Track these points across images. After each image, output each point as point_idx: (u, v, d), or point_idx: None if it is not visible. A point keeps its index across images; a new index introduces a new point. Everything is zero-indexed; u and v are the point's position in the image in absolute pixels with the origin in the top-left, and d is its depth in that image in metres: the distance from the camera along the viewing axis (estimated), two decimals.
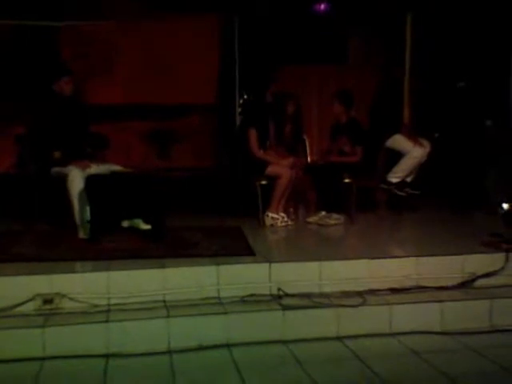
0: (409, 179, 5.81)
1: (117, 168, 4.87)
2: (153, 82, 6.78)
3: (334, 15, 6.89)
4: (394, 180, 5.77)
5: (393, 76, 6.37)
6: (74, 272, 3.64)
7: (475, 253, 4.03)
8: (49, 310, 3.37)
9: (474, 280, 3.87)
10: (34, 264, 3.73)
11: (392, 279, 3.79)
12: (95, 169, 4.69)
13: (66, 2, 6.44)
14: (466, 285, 3.84)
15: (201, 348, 3.27)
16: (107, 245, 4.25)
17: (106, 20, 6.75)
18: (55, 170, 4.73)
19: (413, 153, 5.72)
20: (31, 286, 3.41)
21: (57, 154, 4.69)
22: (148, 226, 4.58)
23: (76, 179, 4.49)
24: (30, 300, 3.37)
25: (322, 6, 6.97)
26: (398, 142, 5.82)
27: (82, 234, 4.51)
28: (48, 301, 3.38)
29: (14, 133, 6.26)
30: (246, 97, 6.75)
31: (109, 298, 3.47)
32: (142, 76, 6.80)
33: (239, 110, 6.80)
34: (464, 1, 6.31)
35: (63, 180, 4.55)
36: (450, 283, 3.81)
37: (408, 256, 4.03)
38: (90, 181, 4.46)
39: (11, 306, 3.33)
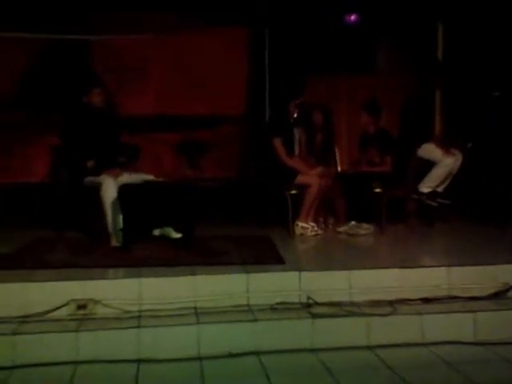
0: (440, 189, 5.75)
1: (148, 177, 4.95)
2: (183, 94, 6.89)
3: (364, 26, 6.89)
4: (425, 190, 5.72)
5: (424, 85, 6.34)
6: (106, 278, 3.72)
7: (508, 263, 3.97)
8: (82, 316, 3.44)
9: (507, 290, 3.81)
10: (68, 270, 3.82)
11: (423, 289, 3.76)
12: (127, 178, 4.78)
13: (97, 17, 6.60)
14: (499, 295, 3.78)
15: (230, 355, 3.29)
16: (139, 252, 4.33)
17: (137, 34, 6.89)
18: (89, 179, 4.83)
19: (443, 162, 5.67)
20: (65, 291, 3.49)
21: (90, 164, 4.78)
22: (179, 235, 4.65)
23: (109, 188, 4.58)
24: (65, 305, 3.45)
25: (353, 17, 6.99)
26: (429, 151, 5.77)
27: (114, 242, 4.59)
28: (82, 306, 3.46)
29: (48, 143, 6.44)
30: (271, 107, 6.79)
31: (140, 305, 3.53)
32: (172, 88, 6.91)
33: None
34: (497, 9, 6.23)
35: (96, 189, 4.65)
36: (482, 293, 3.76)
37: (439, 266, 3.99)
38: (123, 190, 4.55)
39: (46, 311, 3.41)
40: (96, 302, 3.47)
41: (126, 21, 6.65)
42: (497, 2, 6.22)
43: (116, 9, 6.35)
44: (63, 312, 3.44)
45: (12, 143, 6.75)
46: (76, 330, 3.26)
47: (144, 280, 3.60)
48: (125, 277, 3.70)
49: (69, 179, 5.11)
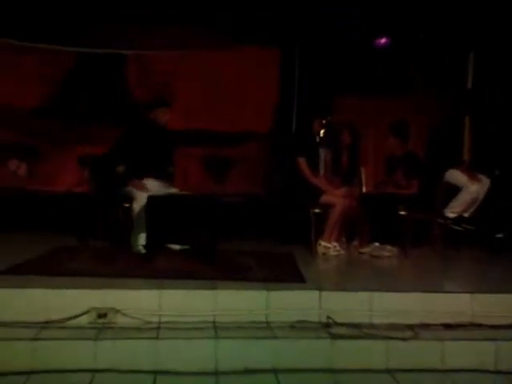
0: (466, 214, 5.68)
1: (173, 190, 5.01)
2: (212, 110, 6.95)
3: (395, 49, 6.89)
4: (451, 215, 5.67)
5: (453, 111, 6.31)
6: (127, 288, 3.72)
7: None
8: (102, 324, 3.46)
9: None
10: (90, 279, 3.86)
11: (445, 315, 3.70)
12: (157, 189, 4.85)
13: (132, 32, 6.73)
14: None
15: (247, 371, 3.27)
16: (161, 263, 4.37)
17: (170, 49, 7.00)
18: (124, 190, 4.94)
19: (469, 188, 5.62)
20: (87, 299, 3.52)
21: (120, 169, 4.95)
22: None
23: (141, 200, 4.66)
24: (85, 313, 3.48)
25: (383, 41, 7.00)
26: (455, 176, 5.74)
27: (137, 251, 4.64)
28: (102, 315, 3.48)
29: (78, 154, 6.56)
30: (296, 125, 6.82)
31: (160, 316, 3.54)
32: (201, 104, 6.98)
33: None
34: None
35: (127, 199, 4.79)
36: (505, 322, 3.68)
37: (463, 292, 3.93)
38: (150, 201, 4.60)
39: (66, 318, 3.45)
40: (116, 311, 3.49)
41: (160, 36, 6.76)
42: None
43: (151, 22, 6.47)
44: (84, 320, 3.47)
45: (44, 150, 6.87)
46: (95, 339, 3.28)
47: (164, 291, 3.62)
48: (146, 287, 3.71)
49: (103, 189, 5.25)
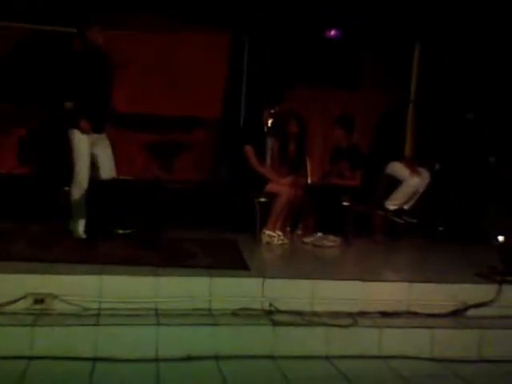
0: (406, 207, 5.83)
1: (111, 166, 4.82)
2: (159, 94, 6.85)
3: (344, 41, 6.97)
4: (392, 207, 5.79)
5: (397, 103, 6.44)
6: (66, 274, 3.61)
7: (469, 282, 4.04)
8: (39, 310, 3.37)
9: (465, 309, 3.87)
10: (27, 263, 3.74)
11: (384, 303, 3.80)
12: (96, 140, 4.67)
13: (78, 11, 6.52)
14: (457, 313, 3.84)
15: (189, 358, 3.26)
16: (103, 249, 4.27)
17: (117, 30, 6.84)
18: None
19: (410, 181, 5.76)
20: (23, 284, 3.42)
21: (68, 105, 4.56)
22: None
23: (82, 184, 4.51)
24: (21, 299, 3.37)
25: (333, 32, 7.07)
26: (396, 169, 5.87)
27: (78, 236, 4.54)
28: (39, 301, 3.38)
29: (17, 135, 6.34)
30: (245, 114, 6.80)
31: (100, 302, 3.47)
32: (149, 87, 6.86)
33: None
34: (475, 32, 6.37)
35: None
36: (441, 311, 3.82)
37: (401, 281, 4.04)
38: (91, 186, 4.49)
39: (2, 303, 3.33)
40: (54, 296, 3.40)
41: (108, 16, 6.59)
42: (473, 25, 6.36)
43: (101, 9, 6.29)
44: (20, 305, 3.36)
45: None
46: (32, 325, 3.19)
47: (105, 277, 3.55)
48: (86, 273, 3.62)
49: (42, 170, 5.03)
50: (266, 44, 6.72)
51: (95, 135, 4.66)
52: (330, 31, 7.08)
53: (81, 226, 4.60)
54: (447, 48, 6.67)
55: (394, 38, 6.81)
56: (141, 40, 6.83)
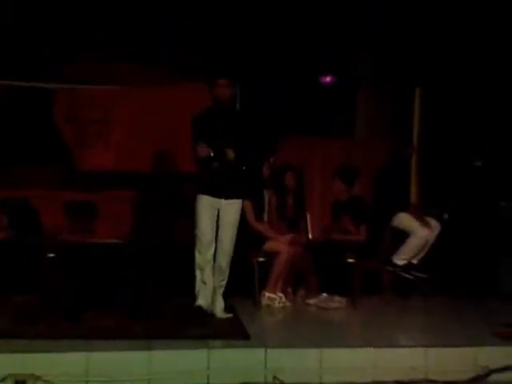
0: (415, 261, 5.76)
1: None
2: (145, 150, 6.88)
3: (341, 88, 7.07)
4: (400, 262, 5.72)
5: (400, 152, 6.46)
6: (50, 351, 3.51)
7: (488, 344, 3.96)
8: None
9: (487, 375, 3.77)
10: (8, 341, 3.65)
11: (398, 371, 3.70)
12: None
13: (63, 65, 6.63)
14: (478, 379, 3.74)
15: None
16: (88, 321, 4.17)
17: (102, 85, 6.94)
18: None
19: (419, 233, 5.71)
20: (3, 365, 3.32)
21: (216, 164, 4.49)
22: None
23: None
24: (1, 381, 3.27)
25: (328, 79, 7.18)
26: (404, 220, 5.81)
27: None
28: (20, 382, 3.27)
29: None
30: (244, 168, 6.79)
31: (87, 382, 3.38)
32: (134, 143, 6.92)
33: None
34: (477, 77, 6.47)
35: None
36: (461, 377, 3.72)
37: (416, 346, 3.95)
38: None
39: None
40: (37, 377, 3.30)
41: (92, 71, 6.69)
42: (477, 70, 6.47)
43: (82, 60, 6.40)
44: None
45: None
46: None
47: (92, 354, 3.46)
48: (71, 350, 3.53)
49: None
50: (258, 93, 6.80)
51: None
52: (324, 78, 7.19)
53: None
54: (448, 92, 6.76)
55: (394, 85, 6.92)
56: (126, 94, 6.93)
